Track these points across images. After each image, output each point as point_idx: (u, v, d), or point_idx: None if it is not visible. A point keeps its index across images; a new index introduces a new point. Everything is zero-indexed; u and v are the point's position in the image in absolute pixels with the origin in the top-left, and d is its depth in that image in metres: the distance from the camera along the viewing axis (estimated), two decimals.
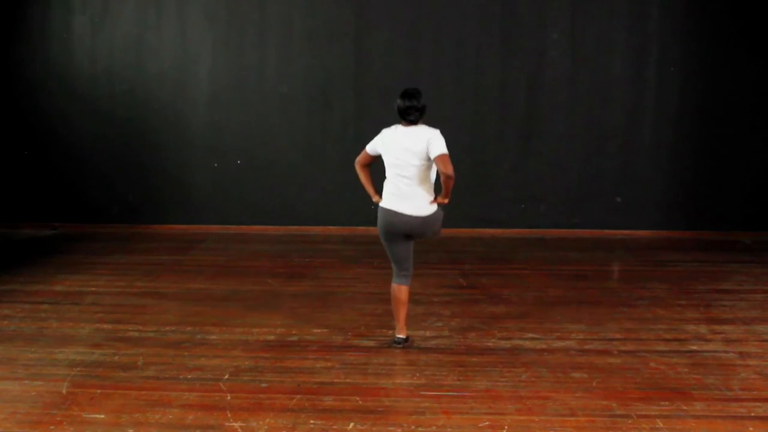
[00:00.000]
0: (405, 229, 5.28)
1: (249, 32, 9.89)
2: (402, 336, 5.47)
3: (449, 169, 5.06)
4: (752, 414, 4.31)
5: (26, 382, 4.74)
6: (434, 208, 5.30)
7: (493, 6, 9.72)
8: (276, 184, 10.03)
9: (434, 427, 4.10)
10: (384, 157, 5.35)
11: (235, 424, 4.13)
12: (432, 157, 5.12)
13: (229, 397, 4.50)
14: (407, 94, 5.26)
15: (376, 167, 5.47)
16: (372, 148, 5.43)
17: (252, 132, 9.99)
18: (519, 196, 9.96)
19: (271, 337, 5.65)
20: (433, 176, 5.33)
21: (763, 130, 9.78)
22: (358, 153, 5.55)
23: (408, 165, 5.20)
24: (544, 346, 5.47)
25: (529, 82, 9.80)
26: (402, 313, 5.45)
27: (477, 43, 9.76)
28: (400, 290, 5.41)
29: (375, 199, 5.47)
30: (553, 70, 9.78)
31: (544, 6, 9.71)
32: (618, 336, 5.72)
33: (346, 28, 9.81)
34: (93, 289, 7.06)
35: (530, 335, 5.71)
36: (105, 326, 5.90)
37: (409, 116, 5.23)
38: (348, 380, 4.80)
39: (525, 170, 9.94)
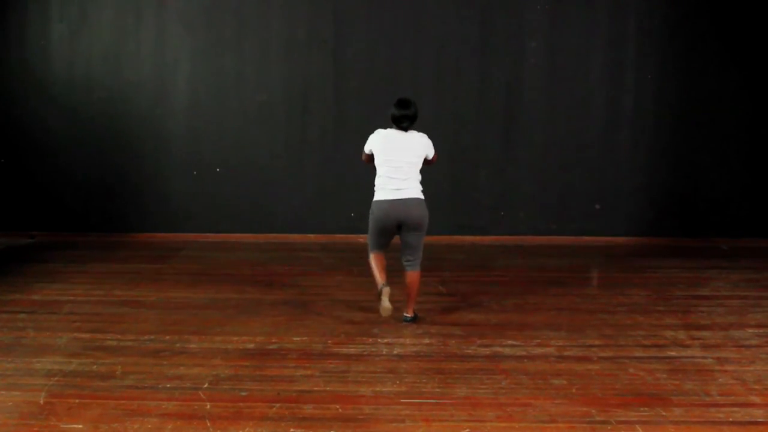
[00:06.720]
0: (401, 214, 5.85)
1: (227, 40, 9.87)
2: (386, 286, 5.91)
3: (436, 158, 6.24)
4: (730, 419, 4.33)
5: (3, 392, 4.68)
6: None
7: (472, 14, 9.76)
8: (255, 191, 10.00)
9: None
10: (377, 155, 5.95)
11: None
12: (429, 158, 6.09)
13: (208, 406, 4.47)
14: (402, 104, 5.97)
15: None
16: (368, 148, 6.05)
17: (231, 140, 9.95)
18: (498, 203, 9.99)
19: (251, 346, 5.63)
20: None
21: (739, 137, 9.88)
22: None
23: (405, 162, 5.90)
24: (523, 353, 5.48)
25: (508, 89, 9.85)
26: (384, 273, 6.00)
27: (456, 51, 9.80)
28: (381, 258, 6.08)
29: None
30: (532, 78, 9.84)
31: (523, 14, 9.78)
32: (597, 342, 5.74)
33: (324, 36, 9.82)
34: (71, 298, 7.00)
35: (510, 342, 5.72)
36: (83, 335, 5.85)
37: (402, 123, 5.96)
38: (328, 388, 4.78)
39: (504, 177, 9.98)
